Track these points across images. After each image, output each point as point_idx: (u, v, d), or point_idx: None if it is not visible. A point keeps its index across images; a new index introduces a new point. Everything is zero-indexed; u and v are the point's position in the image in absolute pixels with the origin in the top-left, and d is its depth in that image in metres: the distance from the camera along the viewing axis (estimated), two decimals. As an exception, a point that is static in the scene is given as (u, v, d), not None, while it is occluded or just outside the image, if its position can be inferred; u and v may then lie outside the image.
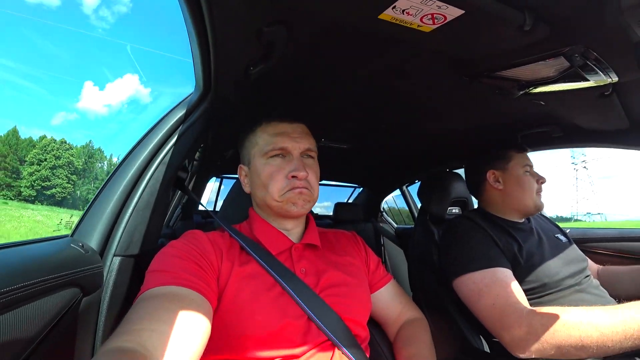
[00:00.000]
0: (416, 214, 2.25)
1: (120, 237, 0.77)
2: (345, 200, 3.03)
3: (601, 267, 1.24)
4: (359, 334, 0.73)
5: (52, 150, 62.34)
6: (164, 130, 0.86)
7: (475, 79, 0.81)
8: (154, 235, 0.88)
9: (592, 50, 0.64)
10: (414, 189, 2.60)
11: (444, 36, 0.63)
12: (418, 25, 0.60)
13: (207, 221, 1.89)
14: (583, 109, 1.01)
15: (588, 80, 0.74)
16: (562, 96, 0.89)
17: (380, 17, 0.57)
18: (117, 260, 0.76)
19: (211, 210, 0.93)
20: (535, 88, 0.81)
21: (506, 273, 0.93)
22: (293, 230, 0.82)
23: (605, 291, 1.04)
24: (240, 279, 0.67)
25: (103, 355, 0.44)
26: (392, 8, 0.54)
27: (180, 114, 0.88)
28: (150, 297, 0.56)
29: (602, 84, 0.77)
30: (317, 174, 0.83)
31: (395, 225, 2.88)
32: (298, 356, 0.64)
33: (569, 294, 0.97)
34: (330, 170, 2.22)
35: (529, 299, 0.96)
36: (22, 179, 60.10)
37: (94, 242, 0.75)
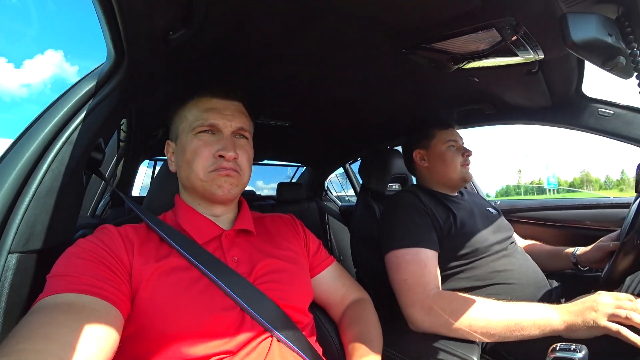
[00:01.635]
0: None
1: (17, 230, 0.65)
2: (289, 180, 3.01)
3: (523, 244, 1.34)
4: (300, 320, 0.71)
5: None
6: (69, 105, 0.73)
7: (410, 50, 0.79)
8: (65, 227, 0.76)
9: (522, 24, 0.65)
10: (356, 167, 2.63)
11: (378, 2, 0.60)
12: (351, -13, 0.55)
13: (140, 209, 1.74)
14: (512, 86, 1.06)
15: (517, 55, 0.76)
16: (493, 73, 0.92)
17: None
18: (13, 257, 0.63)
19: (129, 197, 0.83)
20: (468, 63, 0.82)
21: (428, 254, 0.98)
22: (223, 216, 0.76)
23: (529, 256, 1.15)
24: (158, 275, 0.61)
25: None
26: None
27: (89, 86, 0.76)
28: (42, 308, 0.49)
29: (529, 60, 0.79)
30: (249, 156, 0.77)
31: (340, 204, 2.92)
32: (233, 352, 0.60)
33: (497, 259, 1.05)
34: (272, 150, 2.17)
35: (463, 263, 1.04)
36: None
37: (-20, 236, 0.63)
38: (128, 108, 1.00)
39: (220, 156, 0.70)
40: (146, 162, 2.16)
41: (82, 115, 0.74)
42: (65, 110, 0.73)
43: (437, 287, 0.93)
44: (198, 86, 1.00)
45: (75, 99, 0.74)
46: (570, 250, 1.17)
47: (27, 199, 0.66)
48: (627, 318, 0.67)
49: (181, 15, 0.66)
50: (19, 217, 0.65)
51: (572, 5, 0.57)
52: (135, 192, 2.17)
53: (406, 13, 0.66)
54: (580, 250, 1.14)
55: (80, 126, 0.73)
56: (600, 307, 0.71)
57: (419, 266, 0.95)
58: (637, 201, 0.79)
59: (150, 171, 2.39)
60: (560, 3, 0.57)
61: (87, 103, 0.76)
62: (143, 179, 2.28)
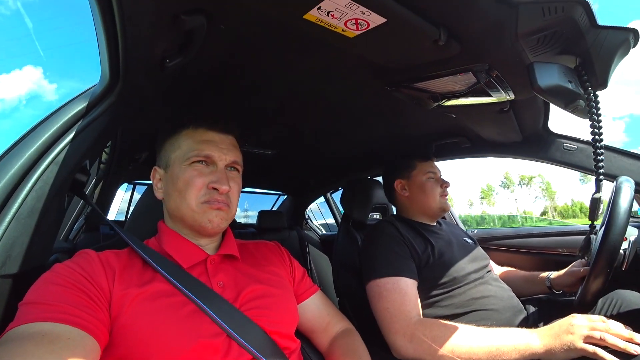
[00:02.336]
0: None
1: None
2: (270, 208, 3.00)
3: (499, 272, 1.40)
4: (288, 346, 0.70)
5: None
6: (58, 125, 0.72)
7: (394, 87, 0.85)
8: (42, 250, 0.73)
9: (495, 68, 0.72)
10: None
11: (367, 43, 0.65)
12: (342, 30, 0.60)
13: (116, 233, 1.67)
14: (486, 122, 1.14)
15: (490, 95, 0.83)
16: (469, 110, 0.99)
17: (305, 17, 0.56)
18: (-14, 281, 0.61)
19: (112, 220, 0.82)
20: (447, 101, 0.89)
21: (408, 283, 1.01)
22: (208, 245, 0.76)
23: (504, 282, 1.19)
24: (141, 301, 0.59)
25: None
26: (317, 9, 0.54)
27: (80, 107, 0.76)
28: (13, 338, 0.46)
29: (502, 100, 0.87)
30: (239, 188, 0.78)
31: (320, 232, 2.92)
32: None
33: (475, 286, 1.09)
34: (254, 177, 2.17)
35: (442, 292, 1.07)
36: None
37: (-47, 258, 0.59)
38: (115, 130, 0.99)
39: (214, 188, 0.70)
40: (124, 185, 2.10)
41: (71, 136, 0.73)
42: (53, 129, 0.72)
43: (418, 314, 0.95)
44: (187, 111, 1.02)
45: (65, 118, 0.73)
46: (544, 275, 1.22)
47: (7, 219, 0.63)
48: (601, 339, 0.71)
49: (179, 43, 0.68)
50: None
51: (537, 55, 0.65)
52: (111, 216, 2.10)
53: (392, 55, 0.72)
54: (553, 274, 1.19)
55: (68, 146, 0.72)
56: (576, 330, 0.74)
57: (399, 294, 0.97)
58: (604, 227, 0.85)
59: (127, 195, 2.33)
60: (527, 53, 0.64)
61: (77, 123, 0.75)
62: (120, 203, 2.22)
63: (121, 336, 0.56)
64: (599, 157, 0.70)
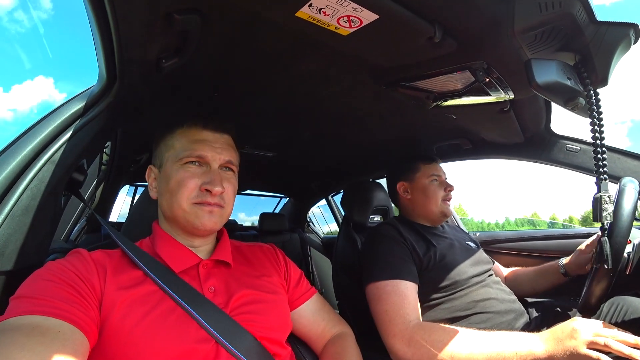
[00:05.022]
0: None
1: None
2: (272, 211, 2.99)
3: (507, 272, 1.38)
4: (278, 352, 0.69)
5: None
6: (56, 124, 0.73)
7: (392, 87, 0.84)
8: (37, 248, 0.74)
9: (492, 66, 0.71)
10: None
11: (361, 41, 0.65)
12: (335, 28, 0.60)
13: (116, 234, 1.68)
14: (487, 123, 1.12)
15: (490, 95, 0.82)
16: (469, 111, 0.97)
17: (297, 14, 0.56)
18: (-20, 277, 0.61)
19: (107, 221, 0.81)
20: (445, 101, 0.87)
21: (408, 286, 0.99)
22: (201, 247, 0.75)
23: (505, 285, 1.18)
24: (130, 303, 0.59)
25: None
26: (309, 5, 0.54)
27: (77, 106, 0.76)
28: (4, 329, 0.47)
29: (501, 99, 0.86)
30: (234, 188, 0.77)
31: (322, 235, 2.91)
32: None
33: (476, 289, 1.08)
34: (256, 180, 2.17)
35: (443, 295, 1.05)
36: None
37: (-52, 253, 0.60)
38: (114, 131, 1.00)
39: (207, 190, 0.69)
40: (126, 189, 2.12)
41: (68, 135, 0.74)
42: (50, 128, 0.72)
43: (417, 318, 0.93)
44: (185, 113, 1.02)
45: (62, 118, 0.74)
46: (556, 263, 1.19)
47: (2, 217, 0.64)
48: (605, 345, 0.68)
49: (175, 44, 0.68)
50: None
51: (535, 52, 0.64)
52: (113, 218, 2.11)
53: (387, 53, 0.72)
54: (565, 260, 1.16)
55: (64, 146, 0.73)
56: (579, 335, 0.72)
57: (399, 297, 0.96)
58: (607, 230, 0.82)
59: (129, 198, 2.34)
60: (525, 50, 0.63)
61: (74, 123, 0.75)
62: (122, 206, 2.23)
63: (110, 336, 0.56)
64: (599, 156, 0.67)
